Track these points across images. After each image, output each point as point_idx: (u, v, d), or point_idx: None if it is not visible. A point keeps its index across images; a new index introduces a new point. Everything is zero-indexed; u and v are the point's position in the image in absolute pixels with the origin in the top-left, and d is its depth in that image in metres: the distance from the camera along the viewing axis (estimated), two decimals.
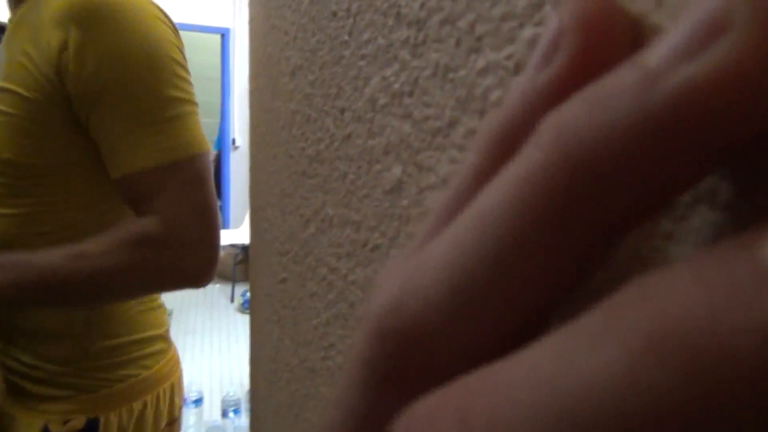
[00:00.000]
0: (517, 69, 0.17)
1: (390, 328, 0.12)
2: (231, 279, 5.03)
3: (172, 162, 0.86)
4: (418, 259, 0.12)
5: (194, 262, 0.92)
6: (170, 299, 4.75)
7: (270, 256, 0.78)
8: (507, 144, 0.12)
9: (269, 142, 0.79)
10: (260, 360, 0.93)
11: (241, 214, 5.92)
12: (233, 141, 6.06)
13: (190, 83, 0.92)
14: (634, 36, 0.11)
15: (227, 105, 5.96)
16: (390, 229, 0.30)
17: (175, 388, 1.14)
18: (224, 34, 5.90)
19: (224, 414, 2.88)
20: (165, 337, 1.11)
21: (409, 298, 0.11)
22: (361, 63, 0.34)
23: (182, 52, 0.94)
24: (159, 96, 0.85)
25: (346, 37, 0.38)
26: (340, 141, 0.40)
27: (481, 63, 0.19)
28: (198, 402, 2.86)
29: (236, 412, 2.90)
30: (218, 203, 1.04)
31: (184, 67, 0.92)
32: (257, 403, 0.99)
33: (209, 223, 0.92)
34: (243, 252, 5.15)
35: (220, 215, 0.99)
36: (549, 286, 0.10)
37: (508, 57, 0.18)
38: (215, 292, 5.18)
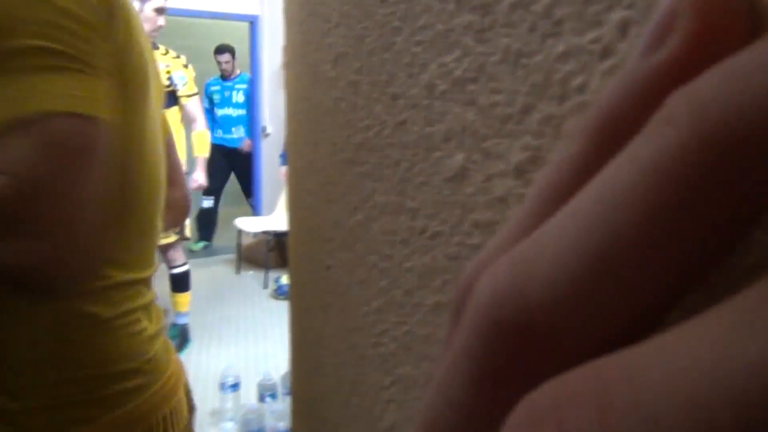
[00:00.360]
0: (605, 54, 0.17)
1: (505, 318, 0.11)
2: (264, 266, 5.08)
3: (15, 117, 0.66)
4: (529, 246, 0.11)
5: (27, 253, 0.66)
6: (203, 285, 4.81)
7: (312, 243, 0.78)
8: (614, 131, 0.12)
9: (309, 129, 0.79)
10: (302, 346, 0.94)
11: (273, 202, 5.96)
12: (264, 128, 6.10)
13: (82, 39, 0.69)
14: (752, 16, 0.11)
15: (257, 93, 5.99)
16: (452, 217, 0.30)
17: (157, 428, 0.90)
18: (253, 22, 5.92)
19: (261, 398, 2.92)
20: (146, 370, 0.87)
21: (526, 286, 0.11)
22: (416, 49, 0.34)
23: (89, 7, 0.71)
24: (15, 45, 0.67)
25: (397, 23, 0.37)
26: (392, 128, 0.40)
27: (560, 48, 0.19)
28: (235, 387, 2.91)
29: (273, 396, 2.94)
30: (98, 188, 0.73)
31: (79, 21, 0.69)
32: (299, 389, 1.00)
33: (62, 205, 0.67)
34: (275, 239, 5.20)
35: (92, 202, 0.71)
36: (681, 272, 0.09)
37: (594, 41, 0.17)
38: (248, 278, 5.24)
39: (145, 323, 0.87)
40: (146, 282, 0.88)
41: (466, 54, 0.27)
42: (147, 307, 0.88)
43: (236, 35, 6.10)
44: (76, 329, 0.76)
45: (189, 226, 3.90)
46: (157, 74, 0.97)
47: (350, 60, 0.52)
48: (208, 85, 5.75)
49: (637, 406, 0.08)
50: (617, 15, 0.16)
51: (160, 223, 0.94)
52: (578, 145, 0.13)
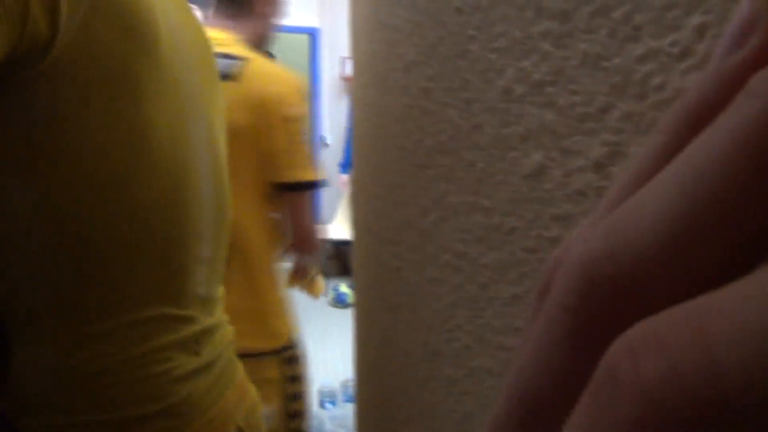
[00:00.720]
0: (683, 55, 0.19)
1: (602, 274, 0.12)
2: (323, 274, 5.14)
3: None
4: (622, 212, 0.12)
5: None
6: None
7: (379, 246, 0.80)
8: (698, 123, 0.13)
9: (376, 136, 0.81)
10: (368, 348, 0.96)
11: (331, 211, 6.03)
12: (323, 139, 6.19)
13: None
14: None
15: (317, 104, 6.09)
16: (529, 212, 0.31)
17: None
18: (312, 34, 6.04)
19: (321, 404, 2.98)
20: (176, 412, 0.76)
21: (620, 245, 0.12)
22: (492, 56, 0.36)
23: None
24: None
25: (472, 32, 0.39)
26: (466, 131, 0.42)
27: (639, 50, 0.21)
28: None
29: (332, 402, 2.99)
30: None
31: None
32: (364, 391, 1.03)
33: None
34: (334, 247, 5.26)
35: None
36: (765, 229, 0.11)
37: (673, 44, 0.19)
38: None
39: (180, 359, 0.76)
40: (184, 315, 0.77)
41: (544, 59, 0.29)
42: (184, 343, 0.77)
43: (293, 47, 6.22)
44: (84, 372, 0.69)
45: None
46: (212, 87, 0.84)
47: (422, 68, 0.55)
48: None
49: (734, 326, 0.09)
50: (695, 19, 0.18)
51: (209, 252, 0.82)
52: (665, 136, 0.14)
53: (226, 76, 1.31)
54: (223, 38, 1.38)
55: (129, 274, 0.70)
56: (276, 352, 1.54)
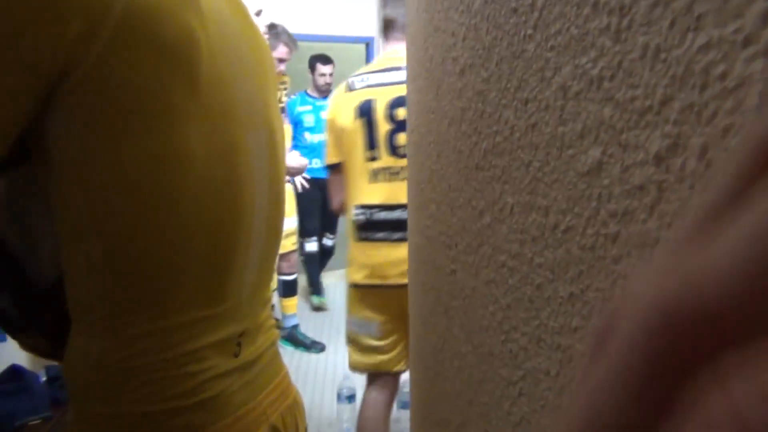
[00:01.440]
0: (747, 42, 0.18)
1: (679, 314, 0.12)
2: None
3: None
4: (698, 257, 0.12)
5: None
6: (339, 299, 4.90)
7: (435, 251, 0.81)
8: None
9: (432, 141, 0.82)
10: (423, 352, 0.96)
11: None
12: None
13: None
14: None
15: None
16: (586, 210, 0.31)
17: None
18: (368, 43, 6.09)
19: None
20: (206, 408, 0.77)
21: (698, 284, 0.12)
22: (550, 54, 0.36)
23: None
24: None
25: (529, 31, 0.39)
26: (522, 131, 0.42)
27: (701, 40, 0.20)
28: (351, 398, 3.00)
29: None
30: None
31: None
32: (419, 395, 1.03)
33: None
34: None
35: None
36: None
37: (736, 31, 0.19)
38: None
39: (218, 360, 0.78)
40: (229, 318, 0.79)
41: (602, 54, 0.29)
42: (224, 344, 0.79)
43: (350, 57, 6.28)
44: (126, 367, 0.71)
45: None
46: (269, 90, 0.84)
47: (478, 70, 0.55)
48: (292, 105, 4.22)
49: None
50: (759, 5, 0.18)
51: (260, 255, 0.84)
52: (745, 161, 0.13)
53: None
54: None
55: (178, 280, 0.72)
56: None
